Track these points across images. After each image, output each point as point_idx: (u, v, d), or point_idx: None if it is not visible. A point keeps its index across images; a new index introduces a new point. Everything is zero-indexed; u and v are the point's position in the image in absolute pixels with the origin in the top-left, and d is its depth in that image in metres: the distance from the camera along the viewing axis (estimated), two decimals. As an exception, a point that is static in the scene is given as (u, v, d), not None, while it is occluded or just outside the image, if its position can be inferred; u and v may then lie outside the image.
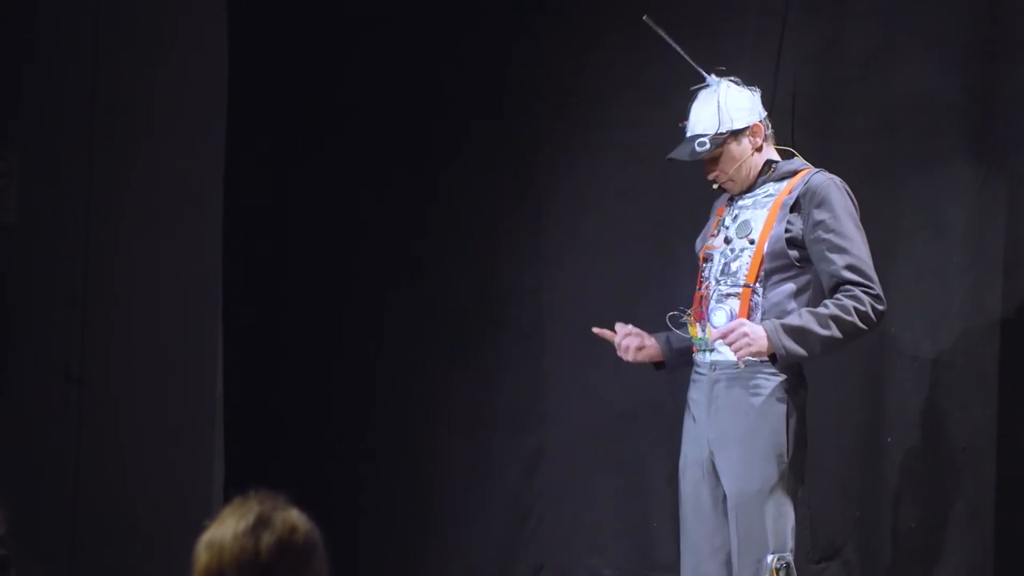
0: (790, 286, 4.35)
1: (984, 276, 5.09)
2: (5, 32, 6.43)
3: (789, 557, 4.28)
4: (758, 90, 4.51)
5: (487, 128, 5.80)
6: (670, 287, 4.80)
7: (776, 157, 4.49)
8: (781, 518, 4.28)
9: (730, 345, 4.27)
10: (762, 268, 4.36)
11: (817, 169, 4.41)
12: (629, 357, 4.58)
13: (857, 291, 4.26)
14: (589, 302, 5.60)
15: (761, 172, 4.47)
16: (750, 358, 4.28)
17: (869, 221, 4.57)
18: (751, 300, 4.36)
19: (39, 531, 5.96)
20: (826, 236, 4.29)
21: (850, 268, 4.27)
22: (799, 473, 4.33)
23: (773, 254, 4.35)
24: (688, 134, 4.49)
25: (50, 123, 6.43)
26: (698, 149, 4.43)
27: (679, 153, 4.48)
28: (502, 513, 5.67)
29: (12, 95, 6.43)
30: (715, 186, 4.51)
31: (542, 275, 5.70)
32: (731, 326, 4.28)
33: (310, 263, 6.00)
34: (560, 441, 5.64)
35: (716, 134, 4.43)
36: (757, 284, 4.36)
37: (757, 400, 4.32)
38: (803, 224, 4.33)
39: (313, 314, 6.00)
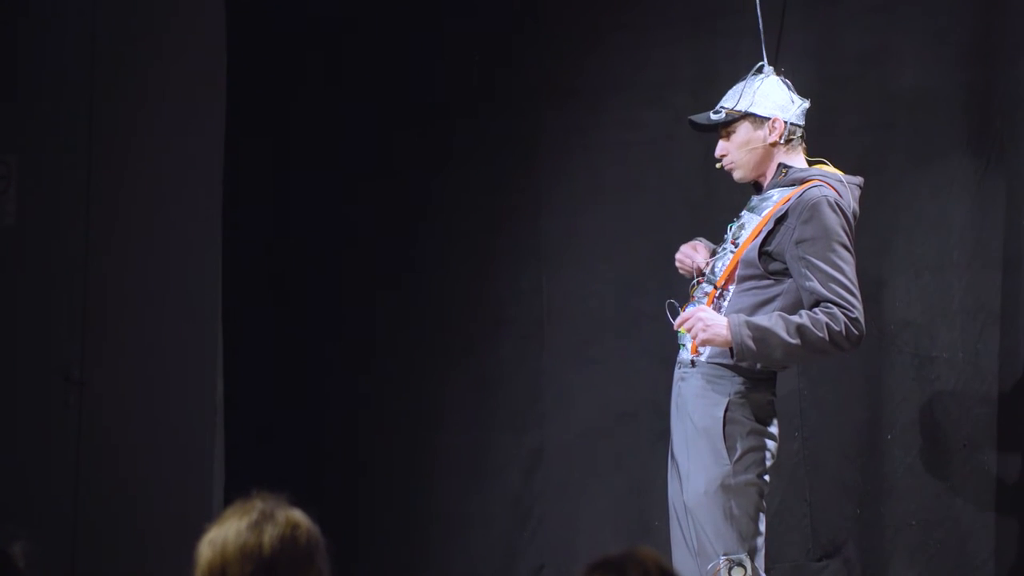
0: (756, 296, 4.31)
1: (983, 273, 5.08)
2: (4, 34, 6.42)
3: (742, 557, 4.24)
4: (807, 102, 4.47)
5: (485, 128, 5.79)
6: (669, 287, 4.79)
7: (795, 163, 4.41)
8: (731, 520, 4.24)
9: (688, 331, 4.26)
10: (735, 273, 4.34)
11: (820, 183, 4.33)
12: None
13: (836, 311, 4.17)
14: (588, 302, 5.60)
15: (775, 175, 4.42)
16: (713, 358, 4.27)
17: (867, 218, 4.57)
18: (715, 302, 4.35)
19: (39, 534, 5.94)
20: (809, 254, 4.21)
21: (831, 288, 4.19)
22: (755, 474, 4.28)
23: (746, 262, 4.32)
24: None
25: (49, 126, 6.43)
26: (712, 116, 4.44)
27: (697, 115, 4.49)
28: (502, 513, 5.67)
29: (11, 98, 6.42)
30: (718, 165, 4.48)
31: (541, 275, 5.69)
32: (691, 311, 4.26)
33: (309, 263, 6.00)
34: (560, 441, 5.63)
35: (733, 108, 4.42)
36: (727, 288, 4.35)
37: (702, 402, 4.31)
38: (786, 237, 4.26)
39: (312, 315, 6.00)
